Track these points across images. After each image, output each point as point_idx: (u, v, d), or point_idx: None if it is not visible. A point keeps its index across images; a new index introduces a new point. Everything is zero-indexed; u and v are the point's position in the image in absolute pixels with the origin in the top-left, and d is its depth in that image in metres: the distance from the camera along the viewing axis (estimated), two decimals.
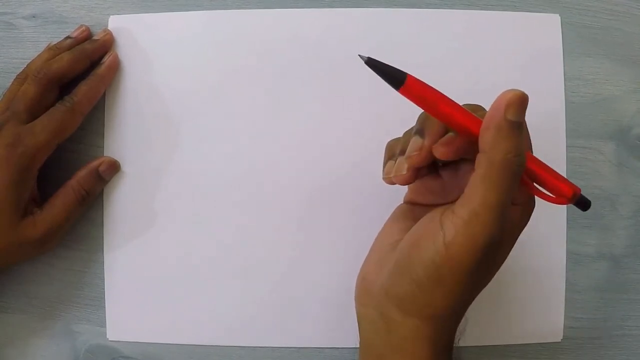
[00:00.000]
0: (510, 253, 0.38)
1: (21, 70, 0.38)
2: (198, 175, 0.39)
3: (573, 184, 0.27)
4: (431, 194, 0.31)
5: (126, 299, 0.39)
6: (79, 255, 0.40)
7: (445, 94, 0.26)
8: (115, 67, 0.39)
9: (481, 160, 0.25)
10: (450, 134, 0.27)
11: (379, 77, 0.25)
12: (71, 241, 0.40)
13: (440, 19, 0.40)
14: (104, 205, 0.40)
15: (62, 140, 0.37)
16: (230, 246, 0.39)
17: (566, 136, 0.39)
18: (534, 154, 0.28)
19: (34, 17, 0.41)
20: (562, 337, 0.39)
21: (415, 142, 0.28)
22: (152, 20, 0.40)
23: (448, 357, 0.29)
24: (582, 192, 0.28)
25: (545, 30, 0.40)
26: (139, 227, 0.39)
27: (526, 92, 0.25)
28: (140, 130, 0.40)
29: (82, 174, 0.38)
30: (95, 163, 0.38)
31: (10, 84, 0.37)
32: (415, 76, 0.25)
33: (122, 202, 0.40)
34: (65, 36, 0.39)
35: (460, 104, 0.26)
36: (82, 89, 0.37)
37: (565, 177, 0.39)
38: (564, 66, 0.40)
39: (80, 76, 0.38)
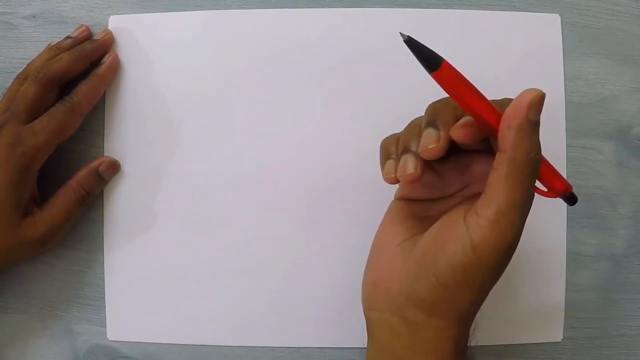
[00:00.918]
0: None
1: (21, 70, 0.38)
2: (198, 175, 0.39)
3: (566, 181, 0.28)
4: (427, 189, 0.31)
5: (126, 299, 0.39)
6: (79, 255, 0.40)
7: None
8: (116, 67, 0.39)
9: (503, 159, 0.25)
10: (467, 117, 0.27)
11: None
12: (71, 241, 0.40)
13: (440, 19, 0.40)
14: (104, 205, 0.40)
15: (62, 140, 0.37)
16: (231, 246, 0.39)
17: (566, 136, 0.39)
18: None
19: (34, 17, 0.41)
20: (562, 337, 0.39)
21: (430, 134, 0.27)
22: (152, 20, 0.40)
23: (465, 356, 0.29)
24: (575, 189, 0.28)
25: (546, 30, 0.40)
26: (139, 227, 0.39)
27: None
28: (140, 130, 0.40)
29: (82, 174, 0.38)
30: (95, 163, 0.38)
31: (10, 84, 0.37)
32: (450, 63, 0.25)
33: (122, 202, 0.40)
34: (65, 36, 0.39)
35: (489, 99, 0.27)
36: (82, 89, 0.37)
37: (565, 175, 0.39)
38: (564, 66, 0.40)
39: (80, 76, 0.38)
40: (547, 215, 0.39)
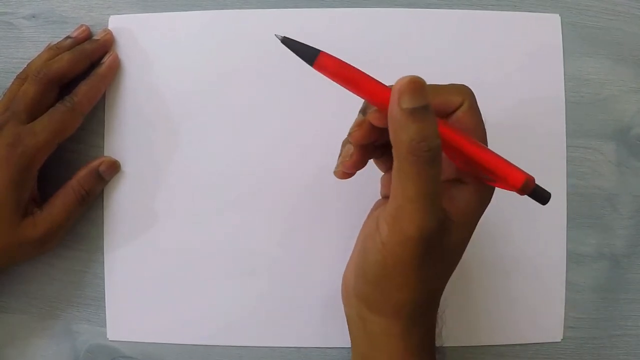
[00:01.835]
0: (510, 252, 0.38)
1: (21, 70, 0.38)
2: (198, 175, 0.40)
3: (524, 173, 0.26)
4: None
5: (126, 299, 0.39)
6: (79, 255, 0.40)
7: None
8: (116, 67, 0.39)
9: (393, 153, 0.25)
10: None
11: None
12: (71, 241, 0.40)
13: (440, 19, 0.40)
14: (104, 205, 0.40)
15: (62, 140, 0.37)
16: (230, 246, 0.39)
17: (566, 136, 0.39)
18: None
19: (34, 17, 0.41)
20: (562, 337, 0.39)
21: (356, 119, 0.28)
22: (152, 20, 0.40)
23: (427, 355, 0.29)
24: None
25: (546, 30, 0.40)
26: (139, 227, 0.39)
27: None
28: (140, 130, 0.40)
29: (82, 174, 0.38)
30: (95, 163, 0.38)
31: (10, 84, 0.37)
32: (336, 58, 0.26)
33: (122, 202, 0.40)
34: (65, 36, 0.39)
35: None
36: (83, 89, 0.37)
37: (565, 175, 0.39)
38: (564, 66, 0.40)
39: (80, 76, 0.38)
40: (547, 215, 0.39)
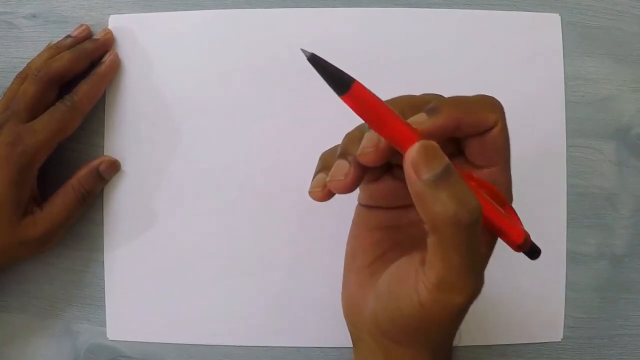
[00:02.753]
0: (510, 252, 0.38)
1: (21, 69, 0.38)
2: (198, 174, 0.39)
3: (522, 232, 0.25)
4: (389, 196, 0.27)
5: (126, 299, 0.39)
6: (79, 254, 0.40)
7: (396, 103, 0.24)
8: (116, 67, 0.39)
9: (427, 227, 0.23)
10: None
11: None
12: (71, 241, 0.39)
13: (440, 19, 0.40)
14: (104, 205, 0.40)
15: (63, 139, 0.37)
16: (231, 246, 0.39)
17: (566, 136, 0.39)
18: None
19: (34, 16, 0.41)
20: (562, 337, 0.39)
21: (370, 136, 0.24)
22: (152, 20, 0.40)
23: None
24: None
25: (546, 29, 0.40)
26: (139, 226, 0.39)
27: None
28: (140, 130, 0.40)
29: (82, 173, 0.38)
30: (95, 162, 0.38)
31: (10, 83, 0.37)
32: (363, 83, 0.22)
33: (122, 202, 0.40)
34: (65, 35, 0.39)
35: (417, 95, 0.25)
36: (83, 88, 0.37)
37: (565, 175, 0.39)
38: (564, 66, 0.40)
39: (80, 75, 0.38)
40: (547, 215, 0.39)
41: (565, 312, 0.39)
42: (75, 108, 0.36)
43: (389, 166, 0.27)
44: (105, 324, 0.39)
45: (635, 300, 0.40)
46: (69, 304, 0.40)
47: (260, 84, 0.40)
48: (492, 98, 0.25)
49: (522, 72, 0.39)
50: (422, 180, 0.22)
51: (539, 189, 0.39)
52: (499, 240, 0.27)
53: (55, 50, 0.38)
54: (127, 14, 0.40)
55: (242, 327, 0.39)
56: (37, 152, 0.35)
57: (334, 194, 0.26)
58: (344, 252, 0.39)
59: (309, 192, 0.26)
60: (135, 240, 0.39)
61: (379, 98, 0.23)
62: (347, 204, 0.39)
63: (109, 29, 0.40)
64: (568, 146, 0.39)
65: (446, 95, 0.26)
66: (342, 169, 0.25)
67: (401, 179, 0.24)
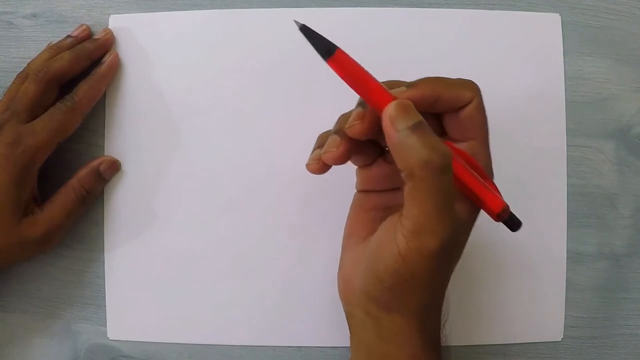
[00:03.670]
0: (511, 252, 0.38)
1: (21, 69, 0.38)
2: (198, 174, 0.40)
3: (499, 200, 0.27)
4: (382, 180, 0.30)
5: (127, 299, 0.39)
6: (80, 254, 0.40)
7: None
8: (116, 67, 0.39)
9: (403, 176, 0.25)
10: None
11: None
12: (72, 241, 0.39)
13: (440, 18, 0.40)
14: (104, 205, 0.40)
15: (63, 139, 0.37)
16: (231, 245, 0.39)
17: (566, 135, 0.39)
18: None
19: (34, 16, 0.41)
20: (562, 337, 0.39)
21: (356, 112, 0.27)
22: (152, 20, 0.40)
23: (437, 347, 0.29)
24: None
25: (546, 29, 0.40)
26: (139, 226, 0.39)
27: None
28: (140, 130, 0.40)
29: (82, 173, 0.38)
30: (95, 162, 0.38)
31: (11, 83, 0.37)
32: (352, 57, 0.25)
33: (122, 202, 0.40)
34: (65, 35, 0.39)
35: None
36: (83, 88, 0.37)
37: (565, 175, 0.39)
38: (564, 65, 0.40)
39: (80, 75, 0.38)
40: (547, 215, 0.39)
41: (565, 312, 0.39)
42: (75, 108, 0.36)
43: (381, 151, 0.30)
44: (106, 323, 0.39)
45: (635, 300, 0.40)
46: (69, 304, 0.40)
47: (260, 83, 0.40)
48: (469, 80, 0.28)
49: (522, 72, 0.40)
50: (398, 131, 0.24)
51: (539, 189, 0.39)
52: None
53: (55, 50, 0.38)
54: (127, 14, 0.40)
55: (242, 327, 0.39)
56: (37, 152, 0.35)
57: (329, 167, 0.29)
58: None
59: (306, 165, 0.29)
60: (135, 240, 0.39)
61: (360, 65, 0.26)
62: (347, 206, 0.39)
63: (109, 29, 0.40)
64: (568, 146, 0.40)
65: None
66: (334, 141, 0.28)
67: (392, 162, 0.26)
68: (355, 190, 0.32)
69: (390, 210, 0.30)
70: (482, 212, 0.28)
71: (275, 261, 0.39)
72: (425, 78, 0.27)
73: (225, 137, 0.40)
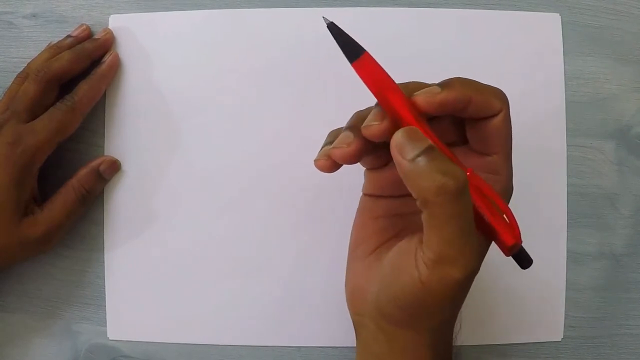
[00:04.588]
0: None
1: (21, 69, 0.38)
2: (198, 174, 0.39)
3: (515, 234, 0.26)
4: (393, 185, 0.29)
5: (127, 299, 0.39)
6: (80, 254, 0.40)
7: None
8: (116, 66, 0.39)
9: (418, 204, 0.24)
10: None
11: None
12: (72, 240, 0.39)
13: (440, 18, 0.40)
14: (104, 205, 0.40)
15: (63, 139, 0.37)
16: (231, 245, 0.39)
17: (566, 135, 0.39)
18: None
19: (34, 16, 0.41)
20: (562, 337, 0.39)
21: (376, 111, 0.26)
22: (152, 19, 0.40)
23: (448, 357, 0.29)
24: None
25: (546, 29, 0.40)
26: (139, 226, 0.39)
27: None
28: (140, 130, 0.40)
29: (82, 173, 0.38)
30: (95, 162, 0.38)
31: (10, 83, 0.37)
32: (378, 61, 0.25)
33: (122, 202, 0.40)
34: (65, 35, 0.39)
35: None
36: (83, 88, 0.37)
37: (565, 175, 0.39)
38: (564, 65, 0.40)
39: (80, 75, 0.38)
40: (547, 215, 0.39)
41: (565, 312, 0.39)
42: (75, 108, 0.36)
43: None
44: (106, 323, 0.39)
45: (635, 300, 0.40)
46: (69, 304, 0.40)
47: (260, 83, 0.40)
48: (499, 89, 0.27)
49: (522, 72, 0.40)
50: (408, 160, 0.24)
51: (539, 189, 0.39)
52: (495, 245, 0.27)
53: (55, 50, 0.38)
54: (127, 14, 0.40)
55: (242, 327, 0.39)
56: (37, 152, 0.35)
57: (338, 167, 0.27)
58: (345, 252, 0.39)
59: (314, 161, 0.27)
60: (135, 240, 0.39)
61: (387, 73, 0.25)
62: (347, 204, 0.39)
63: (109, 29, 0.40)
64: (568, 146, 0.40)
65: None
66: (346, 138, 0.26)
67: None
68: (361, 193, 0.31)
69: (401, 218, 0.29)
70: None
71: (275, 261, 0.39)
72: (456, 79, 0.26)
73: (225, 137, 0.40)
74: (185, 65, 0.40)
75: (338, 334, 0.39)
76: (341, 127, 0.28)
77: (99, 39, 0.39)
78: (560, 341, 0.39)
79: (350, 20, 0.40)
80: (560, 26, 0.40)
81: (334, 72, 0.39)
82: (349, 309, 0.30)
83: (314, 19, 0.40)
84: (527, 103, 0.39)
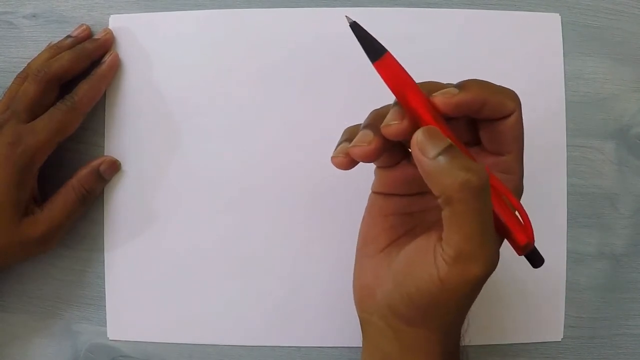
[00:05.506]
0: (510, 252, 0.38)
1: (21, 69, 0.38)
2: (198, 174, 0.40)
3: (527, 233, 0.26)
4: (404, 183, 0.29)
5: (127, 299, 0.39)
6: (80, 254, 0.40)
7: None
8: (116, 67, 0.39)
9: (440, 202, 0.24)
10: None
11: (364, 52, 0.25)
12: (72, 241, 0.39)
13: (440, 18, 0.40)
14: (104, 205, 0.40)
15: (63, 139, 0.37)
16: (231, 245, 0.39)
17: (566, 136, 0.39)
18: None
19: (34, 16, 0.41)
20: (562, 337, 0.39)
21: (395, 109, 0.26)
22: (152, 20, 0.40)
23: (456, 356, 0.29)
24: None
25: (546, 29, 0.40)
26: (139, 226, 0.39)
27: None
28: (140, 130, 0.40)
29: (82, 173, 0.38)
30: (95, 162, 0.38)
31: (11, 83, 0.37)
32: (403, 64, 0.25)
33: (122, 202, 0.40)
34: (65, 35, 0.39)
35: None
36: (83, 88, 0.37)
37: (565, 175, 0.39)
38: (564, 65, 0.40)
39: (80, 75, 0.38)
40: (547, 215, 0.39)
41: (565, 312, 0.39)
42: (75, 108, 0.36)
43: (406, 152, 0.28)
44: (106, 323, 0.39)
45: (635, 300, 0.40)
46: (69, 304, 0.40)
47: (260, 83, 0.40)
48: (512, 90, 0.27)
49: (522, 71, 0.40)
50: (430, 158, 0.24)
51: (539, 189, 0.39)
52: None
53: (55, 50, 0.38)
54: (128, 14, 0.40)
55: (242, 327, 0.39)
56: (37, 152, 0.35)
57: (355, 164, 0.27)
58: (345, 252, 0.39)
59: (332, 158, 0.27)
60: (135, 240, 0.39)
61: (408, 74, 0.25)
62: (347, 204, 0.39)
63: (109, 29, 0.40)
64: (568, 146, 0.40)
65: None
66: (366, 136, 0.26)
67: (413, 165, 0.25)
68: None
69: (411, 216, 0.29)
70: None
71: (276, 261, 0.39)
72: (471, 80, 0.26)
73: (225, 137, 0.40)
74: (185, 65, 0.40)
75: (338, 334, 0.39)
76: (357, 125, 0.28)
77: (99, 39, 0.39)
78: (560, 341, 0.39)
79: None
80: (560, 26, 0.40)
81: (334, 72, 0.39)
82: (357, 307, 0.30)
83: (314, 19, 0.40)
84: (527, 103, 0.39)
